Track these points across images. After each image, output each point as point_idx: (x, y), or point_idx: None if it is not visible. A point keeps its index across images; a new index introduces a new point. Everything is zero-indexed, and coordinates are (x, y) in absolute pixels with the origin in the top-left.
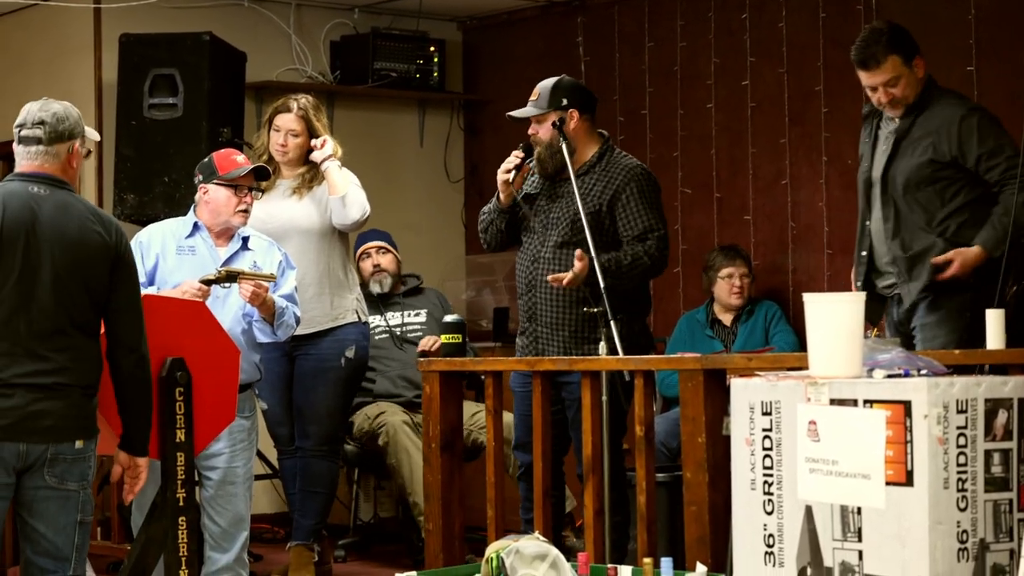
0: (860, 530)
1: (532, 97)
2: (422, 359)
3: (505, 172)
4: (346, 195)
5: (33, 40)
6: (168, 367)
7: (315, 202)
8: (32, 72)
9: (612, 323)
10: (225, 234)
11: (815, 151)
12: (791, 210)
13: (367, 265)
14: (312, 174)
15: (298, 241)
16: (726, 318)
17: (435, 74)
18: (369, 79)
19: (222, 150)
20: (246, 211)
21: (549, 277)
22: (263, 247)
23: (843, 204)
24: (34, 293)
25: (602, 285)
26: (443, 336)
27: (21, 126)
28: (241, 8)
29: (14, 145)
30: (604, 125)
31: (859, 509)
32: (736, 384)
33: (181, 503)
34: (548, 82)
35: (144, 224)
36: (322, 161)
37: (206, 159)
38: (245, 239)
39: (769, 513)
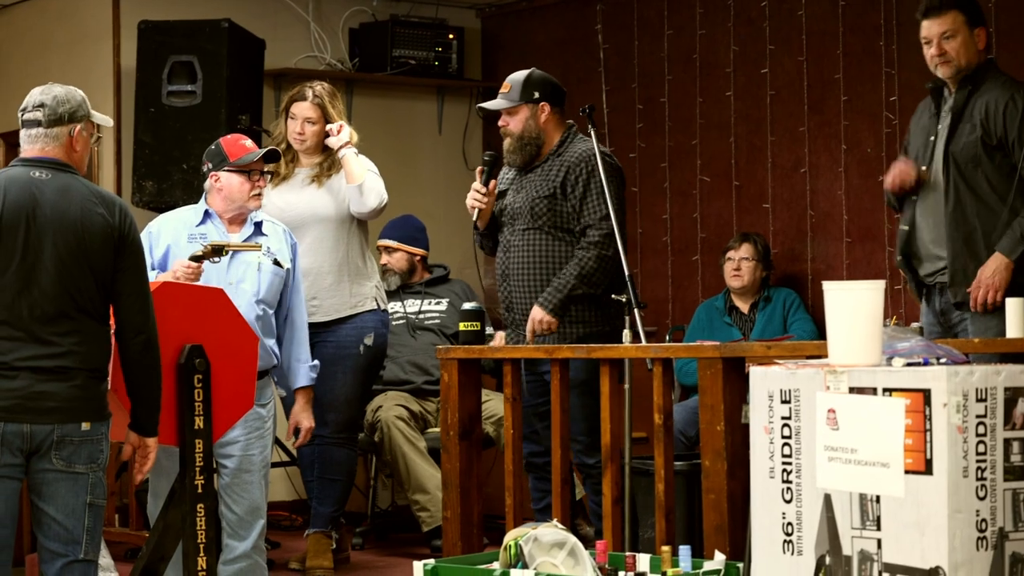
0: (879, 519)
1: (503, 89)
2: (440, 347)
3: (474, 201)
4: (363, 183)
5: (52, 27)
6: (187, 354)
7: (333, 190)
8: (51, 59)
9: (636, 311)
10: (238, 220)
11: (834, 139)
12: (810, 198)
13: (382, 259)
14: (330, 162)
15: (316, 230)
16: (744, 306)
17: (454, 62)
18: (388, 66)
19: (228, 136)
20: (260, 195)
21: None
22: (277, 233)
23: (862, 192)
24: (37, 277)
25: (627, 273)
26: (461, 324)
27: (24, 110)
28: None
29: (20, 129)
30: (623, 113)
31: (878, 497)
32: (755, 372)
33: (199, 490)
34: (520, 75)
35: (162, 211)
36: (339, 148)
37: (213, 146)
38: (258, 224)
39: (788, 501)
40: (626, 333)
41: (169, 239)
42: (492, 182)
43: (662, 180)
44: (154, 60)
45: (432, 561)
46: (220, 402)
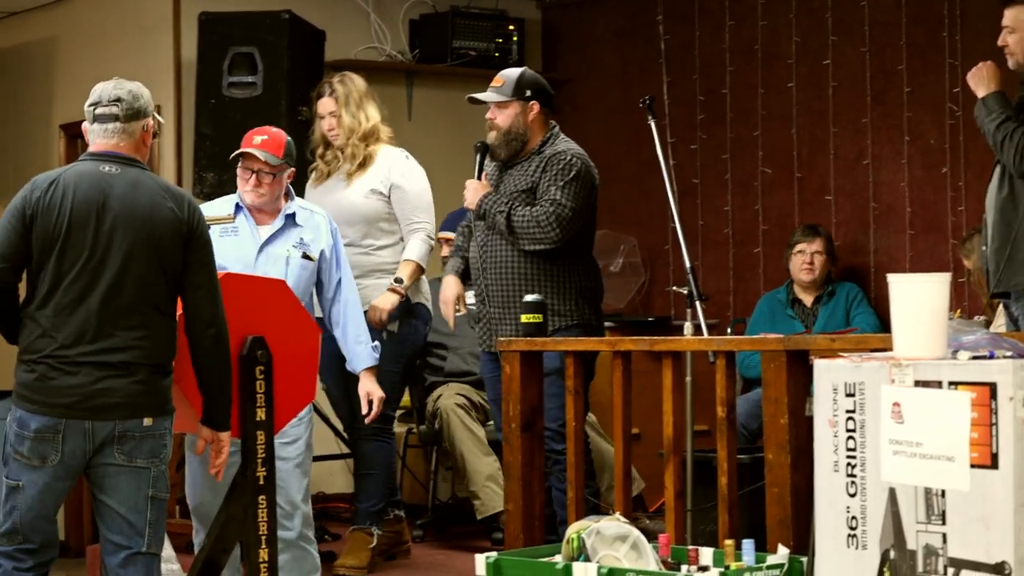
0: (944, 513)
1: (495, 83)
2: (503, 339)
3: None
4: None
5: (112, 19)
6: (249, 345)
7: (361, 188)
8: (110, 51)
9: (698, 303)
10: (267, 212)
11: (897, 130)
12: (873, 190)
13: (443, 251)
14: (353, 154)
15: (346, 227)
16: (807, 299)
17: (514, 53)
18: (448, 58)
19: (256, 128)
20: (255, 191)
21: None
22: (314, 221)
23: (925, 184)
24: (105, 272)
25: (688, 265)
26: (523, 316)
27: (96, 104)
28: None
29: (86, 124)
30: (684, 104)
31: (943, 491)
32: (819, 365)
33: (261, 482)
34: (513, 72)
35: None
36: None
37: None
38: (291, 215)
39: (852, 495)
40: (688, 325)
41: None
42: (484, 175)
43: (723, 172)
44: (215, 52)
45: (494, 554)
46: (282, 393)
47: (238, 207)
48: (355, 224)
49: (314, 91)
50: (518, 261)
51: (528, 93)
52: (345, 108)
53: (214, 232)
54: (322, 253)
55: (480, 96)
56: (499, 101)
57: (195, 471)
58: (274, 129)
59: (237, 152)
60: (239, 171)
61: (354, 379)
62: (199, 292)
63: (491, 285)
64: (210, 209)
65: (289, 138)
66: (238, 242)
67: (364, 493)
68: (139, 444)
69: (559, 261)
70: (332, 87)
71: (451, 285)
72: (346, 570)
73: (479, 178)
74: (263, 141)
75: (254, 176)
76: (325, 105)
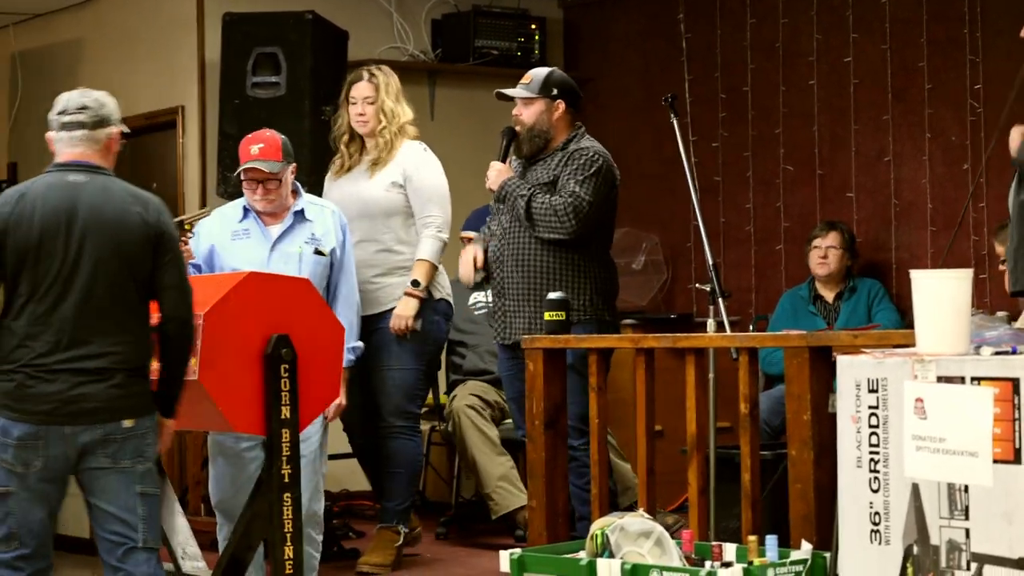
0: (967, 508)
1: (524, 80)
2: (526, 337)
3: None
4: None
5: (136, 19)
6: (273, 344)
7: (382, 182)
8: (135, 52)
9: (720, 300)
10: (278, 211)
11: (918, 127)
12: (894, 187)
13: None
14: (384, 144)
15: (364, 222)
16: (828, 295)
17: (536, 52)
18: (470, 57)
19: (248, 135)
20: (263, 199)
21: None
22: (324, 217)
23: (946, 181)
24: (78, 279)
25: (710, 262)
26: (547, 313)
27: (62, 112)
28: None
29: (51, 134)
30: (706, 102)
31: (966, 487)
32: (842, 361)
33: (286, 479)
34: (542, 71)
35: None
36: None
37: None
38: (299, 212)
39: (875, 491)
40: (710, 322)
41: (210, 239)
42: (508, 161)
43: (745, 169)
44: (238, 52)
45: (519, 550)
46: (307, 391)
47: (246, 210)
48: (376, 218)
49: (351, 76)
50: (535, 254)
51: (554, 92)
52: (387, 95)
53: (225, 237)
54: (332, 249)
55: (507, 92)
56: (525, 97)
57: (219, 468)
58: (267, 133)
59: (239, 169)
60: (244, 182)
61: (370, 378)
62: (171, 293)
63: (507, 277)
64: (219, 213)
65: (283, 137)
66: (250, 244)
67: (391, 491)
68: (122, 446)
69: (575, 256)
70: (372, 74)
71: (472, 247)
72: (370, 567)
73: (503, 161)
74: (260, 150)
75: (260, 186)
76: (361, 90)
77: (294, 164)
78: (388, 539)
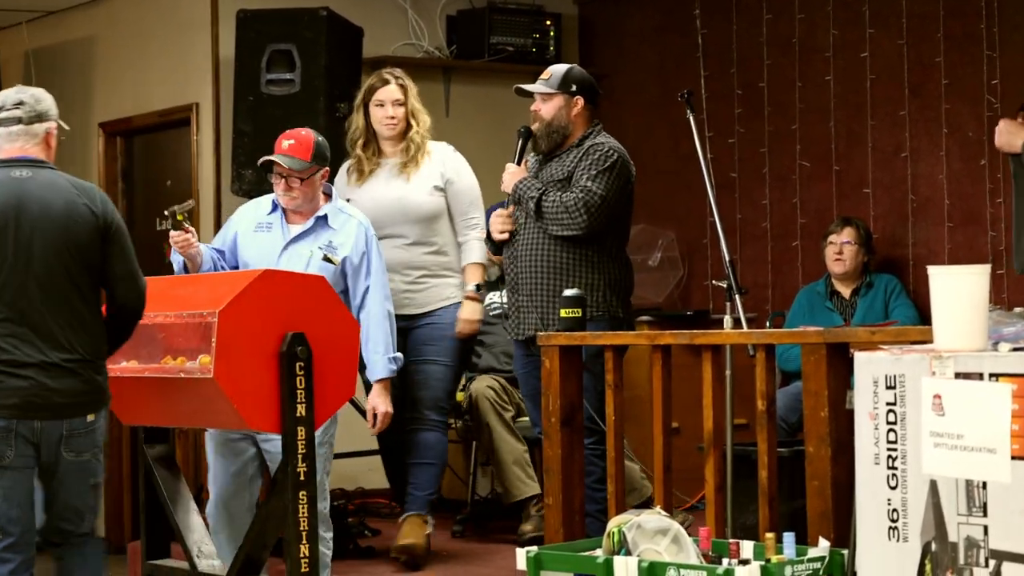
0: (985, 505)
1: (543, 76)
2: (541, 334)
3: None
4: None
5: (150, 17)
6: (289, 341)
7: (421, 183)
8: (149, 49)
9: (737, 297)
10: (301, 212)
11: (935, 123)
12: (911, 183)
13: None
14: (415, 149)
15: (407, 224)
16: (845, 291)
17: (551, 48)
18: (485, 53)
19: (290, 129)
20: (286, 195)
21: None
22: (349, 226)
23: (963, 176)
24: (32, 273)
25: (726, 259)
26: (562, 310)
27: (0, 109)
28: None
29: None
30: (722, 98)
31: (984, 483)
32: (860, 358)
33: (302, 477)
34: (561, 67)
35: None
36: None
37: None
38: (323, 217)
39: (893, 488)
40: (727, 319)
41: (238, 227)
42: (524, 161)
43: (761, 165)
44: (252, 49)
45: (535, 548)
46: (322, 389)
47: (275, 204)
48: (423, 222)
49: (372, 80)
50: (549, 251)
51: (574, 88)
52: (414, 98)
53: (249, 228)
54: (347, 259)
55: (527, 87)
56: (545, 93)
57: (216, 462)
58: (304, 132)
59: (263, 159)
60: (273, 176)
61: (408, 372)
62: (122, 283)
63: (521, 274)
64: (256, 203)
65: (320, 138)
66: (268, 238)
67: (421, 481)
68: (84, 439)
69: (588, 252)
70: (398, 77)
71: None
72: (407, 543)
73: (519, 163)
74: (290, 146)
75: (283, 181)
76: (391, 93)
77: (326, 168)
78: (419, 525)
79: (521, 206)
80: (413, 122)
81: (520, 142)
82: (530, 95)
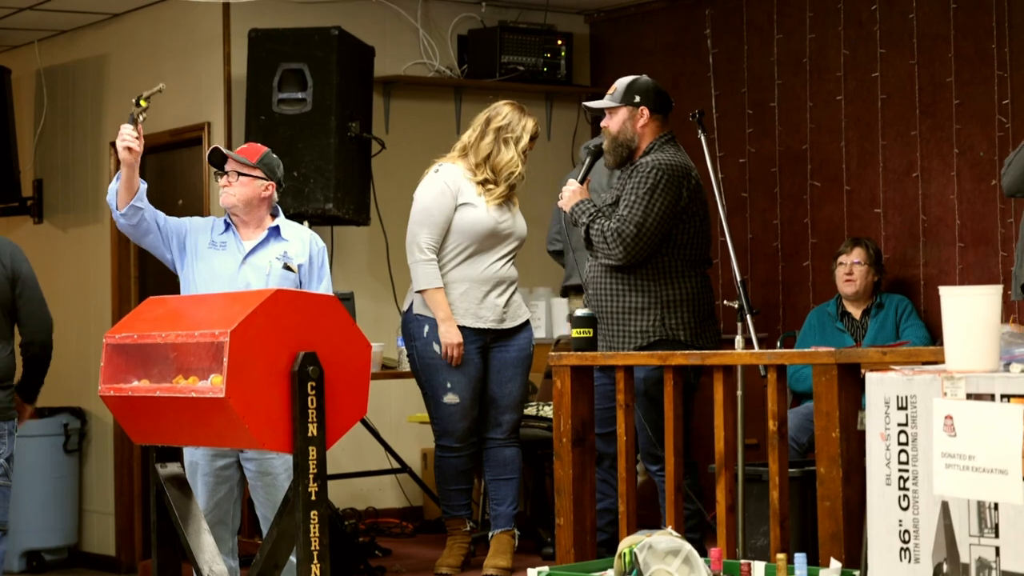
0: (997, 526)
1: (610, 91)
2: (553, 353)
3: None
4: None
5: (163, 35)
6: (300, 361)
7: (516, 210)
8: (162, 67)
9: (748, 317)
10: (251, 224)
11: (946, 143)
12: (922, 203)
13: None
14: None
15: (514, 245)
16: (856, 311)
17: (562, 67)
18: (496, 73)
19: None
20: (224, 190)
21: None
22: (301, 237)
23: (975, 196)
24: None
25: (738, 279)
26: (574, 330)
27: None
28: (369, 3)
29: None
30: (733, 117)
31: (996, 505)
32: (871, 378)
33: (313, 497)
34: (625, 79)
35: None
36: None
37: None
38: (275, 228)
39: (904, 509)
40: (738, 339)
41: (194, 233)
42: (587, 180)
43: (772, 185)
44: (264, 68)
45: (546, 568)
46: (334, 409)
47: (227, 224)
48: (520, 243)
49: (528, 121)
50: (604, 275)
51: (637, 99)
52: None
53: (202, 246)
54: (301, 267)
55: (591, 104)
56: (609, 107)
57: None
58: (261, 146)
59: (212, 148)
60: (219, 177)
61: (484, 387)
62: (31, 321)
63: (590, 295)
64: (211, 219)
65: (275, 157)
66: (224, 255)
67: (504, 497)
68: None
69: (636, 277)
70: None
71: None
72: (496, 571)
73: (582, 181)
74: (241, 149)
75: (223, 177)
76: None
77: (272, 183)
78: (507, 543)
79: (577, 228)
80: None
81: (588, 160)
82: (600, 112)
